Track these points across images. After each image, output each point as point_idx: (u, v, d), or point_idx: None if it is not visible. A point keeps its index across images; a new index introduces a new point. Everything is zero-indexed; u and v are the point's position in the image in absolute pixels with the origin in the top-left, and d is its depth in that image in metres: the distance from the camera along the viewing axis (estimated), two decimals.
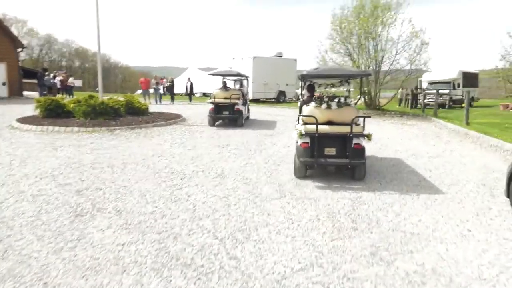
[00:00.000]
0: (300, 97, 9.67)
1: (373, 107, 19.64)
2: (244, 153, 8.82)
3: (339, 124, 6.77)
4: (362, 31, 18.51)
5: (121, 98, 14.74)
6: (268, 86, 26.33)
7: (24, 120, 12.70)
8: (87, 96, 14.70)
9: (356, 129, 6.53)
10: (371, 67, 19.11)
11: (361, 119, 6.80)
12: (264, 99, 27.35)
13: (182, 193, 5.77)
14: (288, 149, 9.44)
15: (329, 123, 6.84)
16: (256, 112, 19.17)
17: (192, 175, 6.84)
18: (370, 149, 9.42)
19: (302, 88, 8.80)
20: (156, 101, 23.43)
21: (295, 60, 28.26)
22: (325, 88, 9.59)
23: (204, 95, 43.80)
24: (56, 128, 11.63)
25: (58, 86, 24.35)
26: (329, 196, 5.77)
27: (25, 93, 25.75)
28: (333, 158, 6.68)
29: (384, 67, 18.83)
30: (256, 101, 26.71)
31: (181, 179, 6.58)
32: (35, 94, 24.73)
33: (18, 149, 8.86)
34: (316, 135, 6.50)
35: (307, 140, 6.62)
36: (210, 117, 13.38)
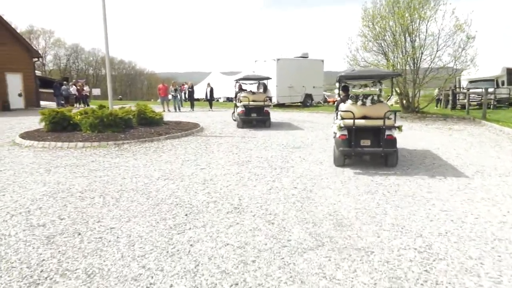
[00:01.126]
0: (337, 96, 10.58)
1: (412, 109, 17.71)
2: (268, 173, 7.29)
3: (373, 118, 7.73)
4: (397, 26, 16.67)
5: (133, 107, 13.50)
6: (294, 90, 24.70)
7: (27, 135, 11.60)
8: (98, 105, 13.56)
9: (388, 122, 7.57)
10: (407, 66, 17.23)
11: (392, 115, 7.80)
12: (290, 104, 25.75)
13: (184, 240, 4.29)
14: (321, 166, 7.84)
15: (364, 118, 7.76)
16: (280, 118, 17.61)
17: (201, 208, 5.36)
18: (422, 162, 7.75)
19: (339, 89, 9.54)
20: (175, 109, 22.22)
21: (322, 60, 26.53)
22: (359, 88, 10.16)
23: (228, 99, 42.66)
24: (59, 143, 10.43)
25: (76, 95, 23.57)
26: (388, 251, 4.17)
27: (42, 103, 25.10)
28: (368, 148, 7.68)
29: (424, 65, 16.88)
30: (281, 105, 25.14)
31: (186, 215, 5.10)
32: (53, 104, 24.03)
33: (6, 172, 7.64)
34: (354, 127, 7.51)
35: (345, 132, 7.61)
36: (241, 119, 13.87)
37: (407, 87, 17.60)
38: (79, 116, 11.97)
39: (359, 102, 8.04)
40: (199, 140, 11.22)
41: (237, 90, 15.73)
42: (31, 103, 23.32)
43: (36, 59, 24.48)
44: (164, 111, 20.74)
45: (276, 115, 19.32)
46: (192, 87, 24.70)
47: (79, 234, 4.51)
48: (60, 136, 11.13)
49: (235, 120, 14.99)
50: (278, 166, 7.88)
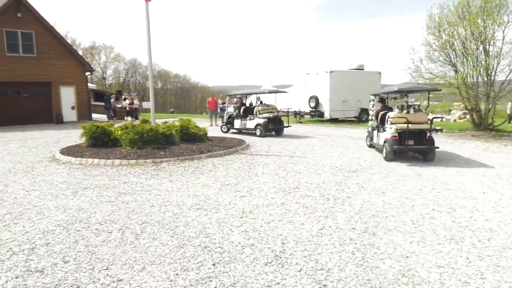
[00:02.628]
0: (371, 107, 12.79)
1: (484, 127, 15.66)
2: (319, 205, 6.07)
3: (416, 123, 9.70)
4: (468, 34, 14.86)
5: (176, 122, 12.80)
6: (348, 104, 23.19)
7: (67, 151, 11.19)
8: (141, 120, 13.01)
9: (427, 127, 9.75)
10: (479, 78, 15.29)
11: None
12: (344, 118, 24.23)
13: None
14: (384, 197, 6.50)
15: (408, 123, 9.58)
16: (334, 134, 16.27)
17: (233, 254, 4.27)
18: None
19: (373, 101, 12.39)
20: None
21: (379, 73, 24.81)
22: (393, 99, 12.59)
23: None
24: (96, 160, 9.85)
25: (126, 108, 23.63)
26: None
27: (95, 116, 25.45)
28: (413, 146, 9.75)
29: (500, 77, 14.87)
30: (334, 120, 23.73)
31: (214, 264, 4.03)
32: (105, 117, 24.25)
33: (32, 193, 7.02)
34: (407, 130, 9.55)
35: (396, 134, 9.68)
36: (264, 128, 15.46)
37: (479, 101, 15.61)
38: (119, 131, 11.41)
39: (405, 111, 10.28)
40: (243, 160, 10.20)
41: (258, 103, 18.36)
42: (83, 116, 23.64)
43: (89, 72, 24.93)
44: (211, 125, 20.12)
45: (328, 131, 18.01)
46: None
47: None
48: (99, 152, 10.59)
49: (225, 132, 17.30)
50: (332, 196, 6.64)
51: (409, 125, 9.54)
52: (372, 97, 12.69)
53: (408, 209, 5.87)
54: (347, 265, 3.96)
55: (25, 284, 3.66)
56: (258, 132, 15.67)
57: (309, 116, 24.77)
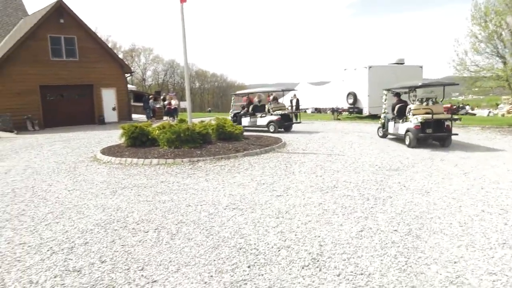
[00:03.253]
0: (384, 101, 13.90)
1: None
2: (358, 205, 5.84)
3: (436, 114, 11.01)
4: None
5: (213, 121, 12.83)
6: (388, 99, 22.45)
7: (107, 151, 11.47)
8: (179, 119, 13.16)
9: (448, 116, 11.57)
10: None
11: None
12: None
13: None
14: (428, 197, 6.17)
15: (432, 114, 10.96)
16: (372, 132, 15.77)
17: (269, 256, 4.14)
18: None
19: (386, 96, 13.71)
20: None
21: (421, 67, 23.86)
22: (406, 93, 13.01)
23: (316, 110, 41.22)
24: (135, 160, 10.02)
25: (164, 108, 24.03)
26: None
27: (135, 116, 26.08)
28: (433, 133, 11.12)
29: None
30: (373, 117, 23.06)
31: (249, 266, 3.92)
32: (144, 118, 24.80)
33: (73, 193, 7.20)
34: (432, 120, 10.90)
35: (419, 123, 11.01)
36: (277, 124, 16.23)
37: None
38: (157, 131, 11.56)
39: (424, 103, 11.63)
40: (280, 158, 10.05)
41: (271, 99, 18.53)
42: (124, 117, 24.29)
43: (129, 74, 25.58)
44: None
45: (367, 128, 17.52)
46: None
47: None
48: (138, 152, 10.77)
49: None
50: (372, 195, 6.37)
51: (436, 115, 10.98)
52: (385, 92, 13.79)
53: (455, 210, 5.52)
54: (389, 270, 3.74)
55: (63, 284, 3.70)
56: (272, 129, 16.42)
57: (347, 112, 24.25)
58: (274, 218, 5.39)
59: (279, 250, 4.29)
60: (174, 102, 23.38)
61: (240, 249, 4.35)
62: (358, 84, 22.58)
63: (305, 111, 36.03)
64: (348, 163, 9.13)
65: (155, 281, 3.69)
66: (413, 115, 11.33)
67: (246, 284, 3.57)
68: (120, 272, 3.89)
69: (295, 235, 4.73)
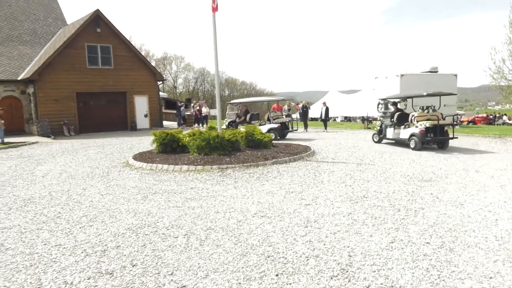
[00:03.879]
0: (379, 109, 16.54)
1: None
2: (389, 216, 5.73)
3: (434, 121, 12.57)
4: None
5: (242, 128, 12.93)
6: (383, 108, 21.97)
7: (139, 157, 11.74)
8: (208, 127, 13.33)
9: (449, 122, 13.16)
10: None
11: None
12: None
13: None
14: (462, 210, 5.99)
15: (438, 120, 12.57)
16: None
17: (297, 265, 4.12)
18: None
19: (381, 104, 16.47)
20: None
21: (455, 75, 23.22)
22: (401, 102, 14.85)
23: (346, 119, 40.79)
24: (165, 166, 10.21)
25: (194, 115, 24.42)
26: None
27: (166, 123, 26.60)
28: (436, 137, 12.59)
29: None
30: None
31: (277, 275, 3.92)
32: (175, 124, 25.25)
33: (106, 197, 7.41)
34: (438, 125, 12.43)
35: (424, 129, 12.51)
36: (277, 132, 17.07)
37: None
38: (187, 138, 11.75)
39: (426, 111, 13.14)
40: (308, 166, 10.00)
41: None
42: (155, 123, 24.81)
43: (160, 82, 26.15)
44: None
45: None
46: (305, 107, 23.69)
47: None
48: (168, 158, 10.97)
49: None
50: (403, 206, 6.24)
51: (432, 121, 12.52)
52: (381, 101, 16.37)
53: (491, 223, 5.34)
54: (420, 283, 3.65)
55: (96, 285, 3.81)
56: (272, 136, 17.08)
57: (377, 121, 23.86)
58: (302, 227, 5.37)
59: (307, 259, 4.26)
60: (204, 110, 23.69)
61: (268, 257, 4.35)
62: (389, 93, 22.19)
63: (335, 120, 35.74)
64: (379, 173, 8.98)
65: (184, 286, 3.74)
66: (417, 121, 12.87)
67: None
68: (151, 276, 3.97)
69: (324, 244, 4.69)
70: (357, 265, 4.08)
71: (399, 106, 14.62)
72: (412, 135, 12.86)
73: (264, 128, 17.11)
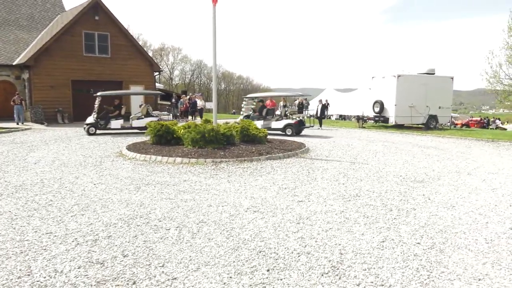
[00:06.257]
0: (247, 106, 19.00)
1: None
2: (381, 216, 5.76)
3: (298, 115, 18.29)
4: None
5: (237, 123, 12.91)
6: (415, 109, 22.05)
7: (133, 147, 11.70)
8: (203, 120, 13.30)
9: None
10: None
11: None
12: (410, 125, 23.12)
13: None
14: (454, 211, 6.03)
15: (304, 115, 20.45)
16: (398, 141, 15.55)
17: (288, 261, 4.14)
18: None
19: (247, 102, 19.34)
20: None
21: (452, 78, 23.35)
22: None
23: (341, 117, 40.86)
24: (159, 157, 10.18)
25: (187, 109, 24.30)
26: None
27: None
28: (302, 126, 17.94)
29: None
30: (399, 126, 22.72)
31: (268, 270, 3.93)
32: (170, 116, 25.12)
33: (99, 186, 7.38)
34: (303, 118, 19.18)
35: (298, 120, 17.59)
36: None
37: None
38: (182, 130, 11.72)
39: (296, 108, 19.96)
40: (302, 163, 10.02)
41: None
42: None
43: (157, 73, 26.02)
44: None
45: (393, 138, 17.27)
46: (302, 104, 23.71)
47: (134, 283, 3.63)
48: (162, 150, 10.94)
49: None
50: (395, 206, 6.28)
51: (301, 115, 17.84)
52: (246, 99, 19.52)
53: (481, 226, 5.38)
54: (410, 283, 3.67)
55: (86, 275, 3.79)
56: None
57: (372, 121, 23.97)
58: (294, 223, 5.38)
59: (299, 256, 4.28)
60: (200, 103, 23.61)
61: (260, 252, 4.36)
62: (386, 93, 22.28)
63: (330, 118, 35.78)
64: (372, 172, 9.02)
65: (175, 278, 3.74)
66: (291, 115, 17.99)
67: (265, 287, 3.58)
68: (142, 267, 3.96)
69: (316, 241, 4.71)
70: (348, 263, 4.10)
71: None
72: (288, 124, 17.07)
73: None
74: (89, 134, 16.49)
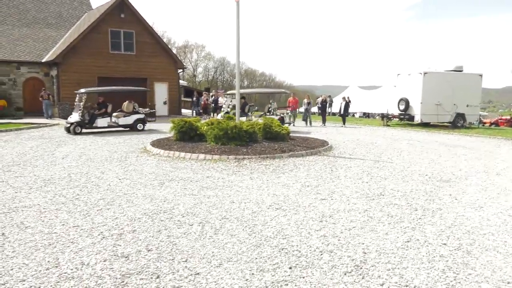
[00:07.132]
0: (229, 102, 19.75)
1: None
2: (406, 215, 5.66)
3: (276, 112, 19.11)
4: None
5: (260, 120, 12.91)
6: (442, 108, 21.55)
7: (157, 143, 11.86)
8: (227, 117, 13.35)
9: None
10: None
11: None
12: (436, 123, 22.62)
13: None
14: (482, 212, 5.87)
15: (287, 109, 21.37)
16: (424, 140, 15.24)
17: (311, 259, 4.11)
18: None
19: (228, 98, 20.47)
20: (306, 123, 21.34)
21: (480, 75, 22.71)
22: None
23: (365, 115, 40.31)
24: (182, 154, 10.29)
25: (213, 105, 24.49)
26: None
27: (184, 111, 26.75)
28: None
29: None
30: (425, 125, 22.26)
31: (290, 267, 3.92)
32: (190, 113, 25.36)
33: (123, 181, 7.52)
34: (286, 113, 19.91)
35: (282, 116, 18.31)
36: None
37: None
38: (205, 127, 11.80)
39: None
40: (325, 161, 9.94)
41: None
42: (174, 111, 25.01)
43: (181, 70, 26.29)
44: (290, 124, 20.11)
45: (418, 136, 16.93)
46: (325, 101, 23.52)
47: (158, 277, 3.69)
48: (186, 146, 11.05)
49: None
50: (420, 206, 6.15)
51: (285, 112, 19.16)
52: (227, 96, 20.01)
53: (510, 228, 5.22)
54: (436, 284, 3.60)
55: (112, 268, 3.87)
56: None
57: (397, 119, 23.56)
58: (317, 221, 5.34)
59: (321, 254, 4.25)
60: (222, 100, 23.73)
61: (282, 250, 4.35)
62: (411, 91, 21.85)
63: (353, 115, 35.36)
64: (397, 171, 8.87)
65: (198, 274, 3.77)
66: (276, 110, 18.78)
67: (287, 285, 3.57)
68: (165, 262, 4.02)
69: (338, 240, 4.67)
70: (371, 263, 4.05)
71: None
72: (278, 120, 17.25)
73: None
74: (75, 133, 15.24)
